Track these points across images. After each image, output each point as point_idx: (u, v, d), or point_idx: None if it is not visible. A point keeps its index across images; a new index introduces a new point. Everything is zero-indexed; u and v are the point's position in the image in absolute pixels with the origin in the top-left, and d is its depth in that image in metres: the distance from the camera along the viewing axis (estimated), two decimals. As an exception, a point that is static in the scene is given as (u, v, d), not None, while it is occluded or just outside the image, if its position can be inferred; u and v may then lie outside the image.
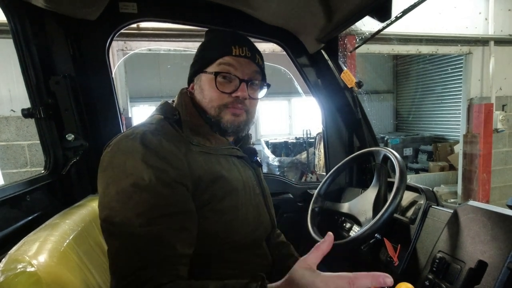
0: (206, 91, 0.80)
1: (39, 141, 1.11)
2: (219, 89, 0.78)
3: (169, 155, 0.67)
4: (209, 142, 0.79)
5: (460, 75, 4.68)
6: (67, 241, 0.72)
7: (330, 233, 0.53)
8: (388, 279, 0.47)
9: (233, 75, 0.79)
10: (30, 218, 0.94)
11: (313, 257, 0.52)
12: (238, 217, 0.76)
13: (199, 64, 0.83)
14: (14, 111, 2.78)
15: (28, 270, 0.56)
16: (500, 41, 4.00)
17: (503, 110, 4.11)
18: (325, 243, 0.53)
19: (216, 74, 0.78)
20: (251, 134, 0.99)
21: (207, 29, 0.94)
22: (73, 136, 1.11)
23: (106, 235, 0.64)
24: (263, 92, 0.88)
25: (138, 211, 0.61)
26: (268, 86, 0.87)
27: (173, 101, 0.85)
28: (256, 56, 0.83)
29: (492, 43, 3.94)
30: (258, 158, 0.93)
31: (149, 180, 0.63)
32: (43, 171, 1.10)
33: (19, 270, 0.55)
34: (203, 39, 0.90)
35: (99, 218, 0.65)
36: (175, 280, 0.60)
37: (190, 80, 0.87)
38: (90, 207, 0.94)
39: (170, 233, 0.62)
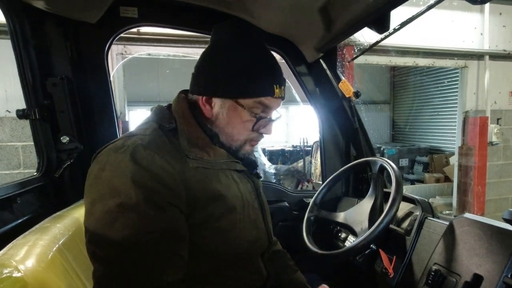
0: (236, 124, 0.75)
1: (33, 143, 1.10)
2: (253, 129, 0.76)
3: (162, 174, 0.62)
4: (208, 155, 0.72)
5: (456, 87, 4.74)
6: (57, 245, 0.70)
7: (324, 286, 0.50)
8: None
9: (269, 118, 0.77)
10: (19, 221, 0.92)
11: None
12: (235, 234, 0.73)
13: (229, 86, 0.73)
14: (9, 112, 2.75)
15: (14, 275, 0.54)
16: (495, 56, 4.07)
17: (497, 123, 4.15)
18: None
19: (259, 119, 0.75)
20: None
21: (207, 35, 0.90)
22: (68, 138, 1.10)
23: (91, 257, 0.60)
24: None
25: (125, 234, 0.56)
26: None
27: (170, 105, 0.80)
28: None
29: (487, 57, 4.01)
30: (258, 171, 0.89)
31: (138, 201, 0.58)
32: (35, 173, 1.09)
33: (4, 275, 0.54)
34: (203, 45, 0.88)
35: (84, 237, 0.61)
36: None
37: (204, 92, 0.75)
38: (82, 211, 0.92)
39: (158, 260, 0.58)
